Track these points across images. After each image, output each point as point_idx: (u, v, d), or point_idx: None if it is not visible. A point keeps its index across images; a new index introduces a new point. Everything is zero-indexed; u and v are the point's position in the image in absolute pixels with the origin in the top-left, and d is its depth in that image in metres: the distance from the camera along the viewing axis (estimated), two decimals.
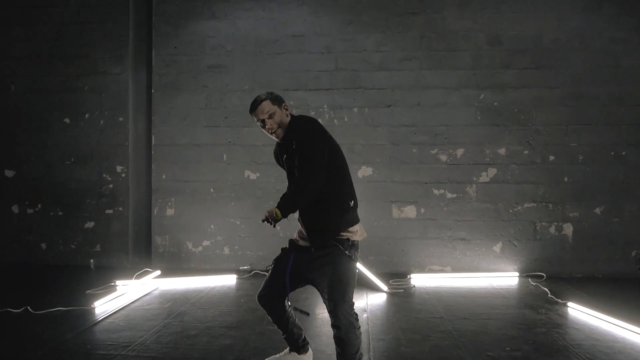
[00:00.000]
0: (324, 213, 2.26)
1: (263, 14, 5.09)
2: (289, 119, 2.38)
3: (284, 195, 2.21)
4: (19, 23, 5.27)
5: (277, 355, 2.61)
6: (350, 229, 2.29)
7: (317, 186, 2.18)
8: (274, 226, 2.23)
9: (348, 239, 2.27)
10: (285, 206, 2.16)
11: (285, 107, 2.39)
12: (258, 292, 2.45)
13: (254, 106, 2.34)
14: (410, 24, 4.98)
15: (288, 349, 2.59)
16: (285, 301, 2.43)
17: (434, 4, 4.97)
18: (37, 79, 5.27)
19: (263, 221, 2.22)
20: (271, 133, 2.35)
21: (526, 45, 4.91)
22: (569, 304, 3.80)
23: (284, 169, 2.43)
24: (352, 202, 2.33)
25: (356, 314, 2.25)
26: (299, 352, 2.56)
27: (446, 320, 3.49)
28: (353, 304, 2.25)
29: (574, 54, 4.87)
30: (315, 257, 2.27)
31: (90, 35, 5.20)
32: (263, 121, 2.33)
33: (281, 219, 2.16)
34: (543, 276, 4.76)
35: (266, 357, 2.63)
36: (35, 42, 5.25)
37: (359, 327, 2.25)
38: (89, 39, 5.19)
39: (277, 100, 2.36)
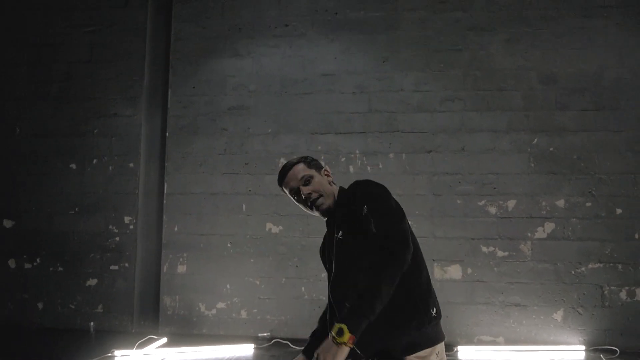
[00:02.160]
0: (392, 321, 1.58)
1: (290, 51, 4.73)
2: (334, 188, 1.82)
3: (337, 303, 1.61)
4: (25, 62, 5.02)
5: None
6: (426, 350, 1.62)
7: (408, 257, 1.52)
8: None
9: None
10: (358, 313, 1.41)
11: (326, 172, 1.85)
12: None
13: (284, 173, 1.81)
14: (453, 62, 4.55)
15: None
16: None
17: (479, 39, 4.55)
18: (44, 121, 4.96)
19: None
20: (311, 206, 1.77)
21: (584, 84, 4.42)
22: None
23: (331, 264, 1.79)
24: (435, 309, 1.66)
25: None
26: None
27: None
28: None
29: (639, 94, 4.35)
30: None
31: (101, 75, 4.90)
32: (298, 190, 1.77)
33: (350, 341, 1.40)
34: (616, 351, 4.05)
35: None
36: (42, 82, 4.97)
37: None
38: (100, 78, 4.90)
39: (314, 165, 1.83)
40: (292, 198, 1.81)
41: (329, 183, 1.82)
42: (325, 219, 1.85)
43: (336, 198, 1.81)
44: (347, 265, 1.66)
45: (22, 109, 5.00)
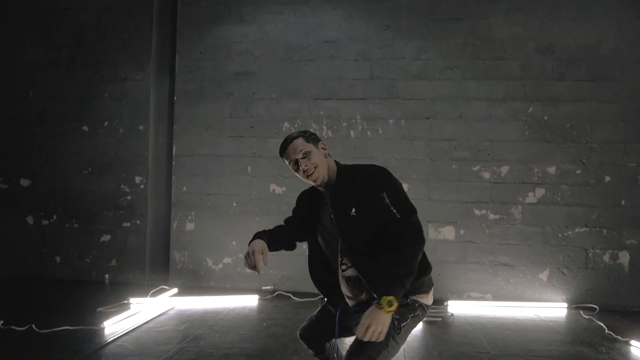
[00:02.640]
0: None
1: (294, 18, 4.78)
2: (330, 161, 2.01)
3: (366, 272, 1.84)
4: (37, 28, 5.08)
5: None
6: (427, 292, 1.99)
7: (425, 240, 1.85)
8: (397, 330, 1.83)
9: (416, 303, 1.94)
10: (399, 286, 1.70)
11: (323, 146, 2.03)
12: (301, 328, 2.26)
13: (285, 146, 2.00)
14: (454, 31, 4.61)
15: None
16: (327, 343, 2.21)
17: (480, 9, 4.58)
18: (56, 85, 5.07)
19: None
20: (307, 176, 1.97)
21: (581, 55, 4.49)
22: (632, 342, 3.38)
23: (327, 230, 2.03)
24: (428, 268, 1.98)
25: None
26: None
27: (494, 356, 3.11)
28: None
29: (634, 66, 4.44)
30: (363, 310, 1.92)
31: (111, 40, 4.98)
32: (296, 162, 1.97)
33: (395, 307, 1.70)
34: (595, 309, 4.30)
35: None
36: (53, 47, 5.05)
37: None
38: (109, 44, 4.98)
39: (312, 139, 2.01)
40: (291, 168, 2.01)
41: (325, 156, 2.00)
42: (321, 189, 2.05)
43: (336, 173, 1.99)
44: (364, 239, 1.89)
45: (34, 73, 5.10)
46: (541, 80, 4.53)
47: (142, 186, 4.97)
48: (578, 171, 4.50)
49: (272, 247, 2.11)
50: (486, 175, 4.60)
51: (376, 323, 1.67)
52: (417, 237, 1.79)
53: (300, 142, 1.97)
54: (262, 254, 2.02)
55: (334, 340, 2.15)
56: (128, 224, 4.98)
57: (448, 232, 4.64)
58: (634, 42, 4.44)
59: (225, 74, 4.88)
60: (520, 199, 4.56)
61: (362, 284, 1.93)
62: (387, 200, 1.84)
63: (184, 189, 4.93)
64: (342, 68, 4.74)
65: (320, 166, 1.96)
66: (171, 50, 5.02)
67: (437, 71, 4.64)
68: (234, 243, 4.88)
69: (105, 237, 5.02)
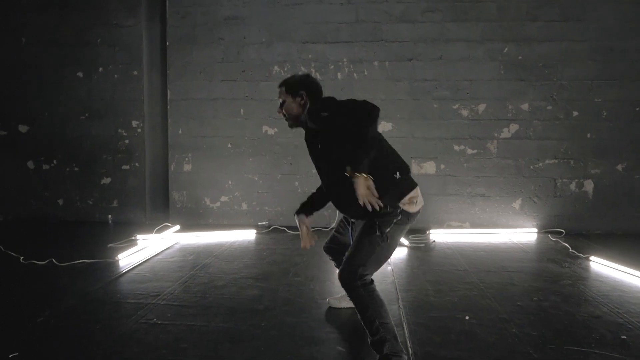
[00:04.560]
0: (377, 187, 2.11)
1: None
2: (301, 111, 2.28)
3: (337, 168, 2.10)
4: None
5: (339, 296, 2.77)
6: (402, 198, 2.19)
7: (377, 116, 2.06)
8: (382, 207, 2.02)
9: (398, 209, 2.17)
10: (358, 157, 1.95)
11: (301, 99, 2.27)
12: (325, 242, 2.63)
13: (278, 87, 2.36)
14: None
15: None
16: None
17: None
18: (49, 30, 5.12)
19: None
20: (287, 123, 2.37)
21: None
22: (592, 258, 3.80)
23: (315, 163, 2.35)
24: (398, 173, 2.18)
25: (364, 281, 2.10)
26: None
27: (471, 272, 3.49)
28: (360, 274, 2.09)
29: (604, 6, 4.70)
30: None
31: None
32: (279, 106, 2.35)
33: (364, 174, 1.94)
34: (562, 232, 4.75)
35: (295, 307, 2.66)
36: None
37: (364, 291, 2.08)
38: None
39: (292, 90, 2.28)
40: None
41: (299, 106, 2.27)
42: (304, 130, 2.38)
43: (306, 118, 2.28)
44: (331, 159, 2.21)
45: (27, 18, 5.13)
46: (516, 21, 4.77)
47: (139, 130, 5.16)
48: (549, 107, 4.83)
49: (311, 213, 2.50)
50: (465, 112, 4.90)
51: (362, 189, 1.92)
52: (366, 111, 2.02)
53: (281, 91, 2.31)
54: (307, 229, 2.45)
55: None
56: (127, 167, 5.19)
57: (429, 167, 4.97)
58: None
59: (216, 19, 4.99)
60: (495, 134, 4.89)
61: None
62: (331, 113, 2.12)
63: (180, 131, 5.13)
64: (329, 12, 4.91)
65: (289, 115, 2.30)
66: None
67: (419, 14, 4.84)
68: (229, 182, 5.14)
69: (106, 180, 5.23)
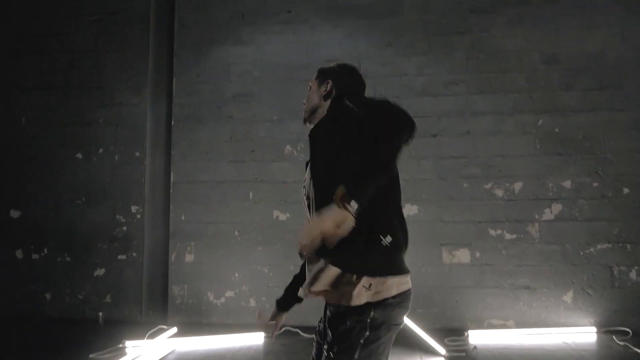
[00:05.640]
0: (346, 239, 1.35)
1: (293, 37, 4.73)
2: (320, 102, 1.73)
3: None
4: (31, 52, 5.02)
5: None
6: (372, 279, 1.43)
7: (411, 134, 1.42)
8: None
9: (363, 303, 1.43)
10: (359, 182, 1.29)
11: (325, 88, 1.73)
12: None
13: None
14: (456, 44, 4.55)
15: None
16: None
17: (481, 22, 4.54)
18: (49, 111, 4.96)
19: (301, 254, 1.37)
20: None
21: (587, 63, 4.41)
22: None
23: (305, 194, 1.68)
24: (388, 237, 1.45)
25: None
26: None
27: None
28: None
29: None
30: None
31: (106, 64, 4.91)
32: None
33: (355, 212, 1.26)
34: (628, 332, 3.99)
35: None
36: (47, 72, 4.98)
37: None
38: (105, 68, 4.90)
39: (321, 75, 1.78)
40: None
41: (321, 97, 1.74)
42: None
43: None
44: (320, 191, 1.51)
45: (28, 98, 5.00)
46: (548, 91, 4.43)
47: (138, 216, 4.77)
48: (594, 184, 4.31)
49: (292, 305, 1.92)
50: (499, 192, 4.40)
51: (321, 227, 1.24)
52: (393, 126, 1.38)
53: (313, 77, 1.81)
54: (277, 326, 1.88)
55: None
56: (124, 257, 4.74)
57: (463, 255, 4.39)
58: (639, 48, 4.37)
59: (224, 96, 4.78)
60: (536, 216, 4.35)
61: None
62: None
63: (183, 217, 4.72)
64: None
65: (308, 106, 1.78)
66: (168, 73, 4.94)
67: (441, 86, 4.54)
68: (236, 275, 4.61)
69: (99, 271, 4.76)
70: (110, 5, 4.95)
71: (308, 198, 1.62)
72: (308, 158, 1.70)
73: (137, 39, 4.91)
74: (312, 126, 1.76)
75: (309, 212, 1.62)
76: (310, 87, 1.80)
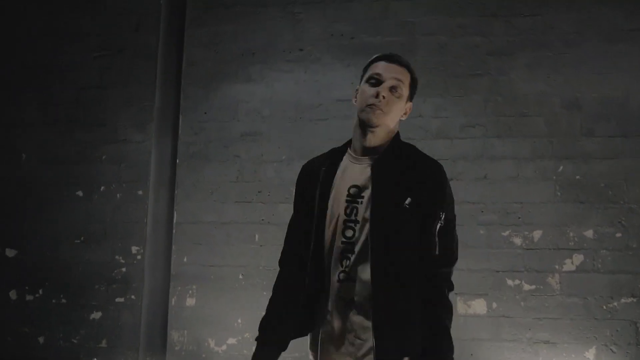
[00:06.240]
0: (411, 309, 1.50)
1: (304, 76, 4.64)
2: (396, 126, 1.61)
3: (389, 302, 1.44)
4: (33, 87, 4.94)
5: None
6: None
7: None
8: None
9: None
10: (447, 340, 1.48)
11: (408, 110, 1.66)
12: None
13: (387, 57, 1.63)
14: (473, 87, 4.43)
15: None
16: None
17: (500, 65, 4.43)
18: (51, 147, 4.86)
19: None
20: (371, 106, 1.57)
21: (610, 109, 4.28)
22: None
23: (348, 207, 1.54)
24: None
25: None
26: None
27: None
28: None
29: None
30: None
31: (111, 101, 4.82)
32: (379, 84, 1.55)
33: None
34: None
35: None
36: (50, 108, 4.89)
37: None
38: (110, 104, 4.81)
39: (413, 88, 1.65)
40: (366, 85, 1.57)
41: (401, 113, 1.61)
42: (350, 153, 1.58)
43: (390, 142, 1.58)
44: (405, 243, 1.51)
45: (29, 135, 4.91)
46: (570, 136, 4.30)
47: (138, 257, 4.62)
48: (618, 234, 4.14)
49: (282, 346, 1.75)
50: (517, 241, 4.24)
51: None
52: (449, 304, 1.50)
53: (402, 71, 1.58)
54: None
55: None
56: (122, 299, 4.58)
57: (479, 306, 4.21)
58: None
59: (232, 135, 4.68)
60: (557, 266, 4.17)
61: (352, 315, 1.44)
62: (443, 224, 1.43)
63: (185, 259, 4.58)
64: None
65: (388, 118, 1.59)
66: (174, 110, 4.85)
67: (457, 129, 4.42)
68: (239, 321, 4.44)
69: (96, 315, 4.60)
70: (117, 41, 4.88)
71: (352, 221, 1.51)
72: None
73: (143, 76, 4.83)
74: (374, 138, 1.59)
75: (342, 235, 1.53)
76: (398, 85, 1.55)
